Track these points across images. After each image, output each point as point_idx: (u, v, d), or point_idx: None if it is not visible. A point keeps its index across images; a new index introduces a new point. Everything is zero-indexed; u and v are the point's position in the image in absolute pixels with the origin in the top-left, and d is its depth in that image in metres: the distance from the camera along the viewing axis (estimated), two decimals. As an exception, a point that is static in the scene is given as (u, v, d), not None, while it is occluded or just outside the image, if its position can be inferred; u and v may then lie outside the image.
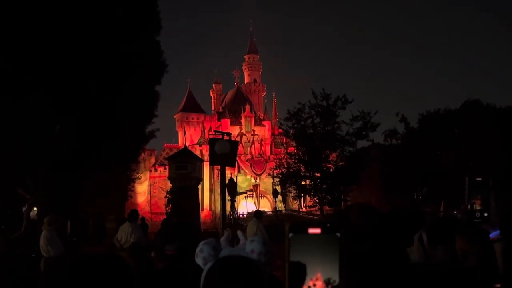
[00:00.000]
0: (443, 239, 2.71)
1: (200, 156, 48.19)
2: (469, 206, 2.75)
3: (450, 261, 2.67)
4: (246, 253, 1.76)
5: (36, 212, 21.36)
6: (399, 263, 2.34)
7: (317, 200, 32.16)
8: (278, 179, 36.33)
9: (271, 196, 63.90)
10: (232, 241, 1.95)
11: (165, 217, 31.91)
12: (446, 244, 2.69)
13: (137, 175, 40.47)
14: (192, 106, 77.34)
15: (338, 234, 0.99)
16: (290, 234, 0.98)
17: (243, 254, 1.76)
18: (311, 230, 0.97)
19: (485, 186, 2.77)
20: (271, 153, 73.92)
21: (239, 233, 1.91)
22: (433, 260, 2.68)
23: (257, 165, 73.94)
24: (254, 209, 44.42)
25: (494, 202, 2.73)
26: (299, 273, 0.95)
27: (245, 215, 54.77)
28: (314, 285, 0.95)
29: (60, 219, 10.03)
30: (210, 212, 68.72)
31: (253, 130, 76.00)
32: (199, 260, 1.76)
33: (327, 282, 0.95)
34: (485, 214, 2.71)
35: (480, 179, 2.79)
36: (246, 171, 73.33)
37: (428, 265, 2.44)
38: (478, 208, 2.71)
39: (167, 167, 42.66)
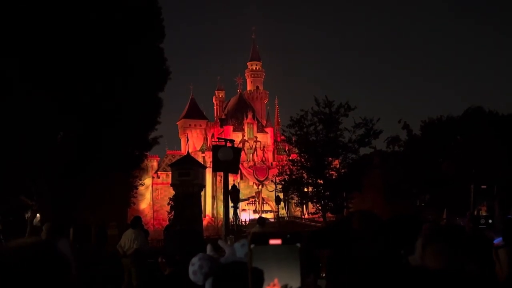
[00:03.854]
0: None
1: (202, 163, 48.27)
2: (475, 212, 2.77)
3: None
4: (240, 258, 1.79)
5: (39, 218, 21.36)
6: (399, 267, 2.35)
7: (319, 207, 32.12)
8: (280, 186, 36.29)
9: (274, 203, 63.88)
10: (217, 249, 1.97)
11: (167, 223, 31.92)
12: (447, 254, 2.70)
13: (140, 182, 40.48)
14: (195, 113, 77.52)
15: (298, 245, 1.04)
16: (252, 245, 1.04)
17: (237, 259, 1.79)
18: (272, 241, 1.04)
19: (490, 193, 2.79)
20: (274, 160, 73.91)
21: (220, 242, 1.94)
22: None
23: (260, 172, 73.94)
24: (257, 216, 44.38)
25: (498, 209, 2.75)
26: (258, 280, 1.02)
27: (247, 222, 54.71)
28: None
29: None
30: (213, 218, 68.65)
31: (256, 137, 76.08)
32: (198, 277, 1.76)
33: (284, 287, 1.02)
34: (490, 221, 2.73)
35: (485, 187, 2.81)
36: (249, 178, 73.30)
37: (428, 270, 2.43)
38: (484, 214, 2.74)
39: (169, 173, 42.69)
